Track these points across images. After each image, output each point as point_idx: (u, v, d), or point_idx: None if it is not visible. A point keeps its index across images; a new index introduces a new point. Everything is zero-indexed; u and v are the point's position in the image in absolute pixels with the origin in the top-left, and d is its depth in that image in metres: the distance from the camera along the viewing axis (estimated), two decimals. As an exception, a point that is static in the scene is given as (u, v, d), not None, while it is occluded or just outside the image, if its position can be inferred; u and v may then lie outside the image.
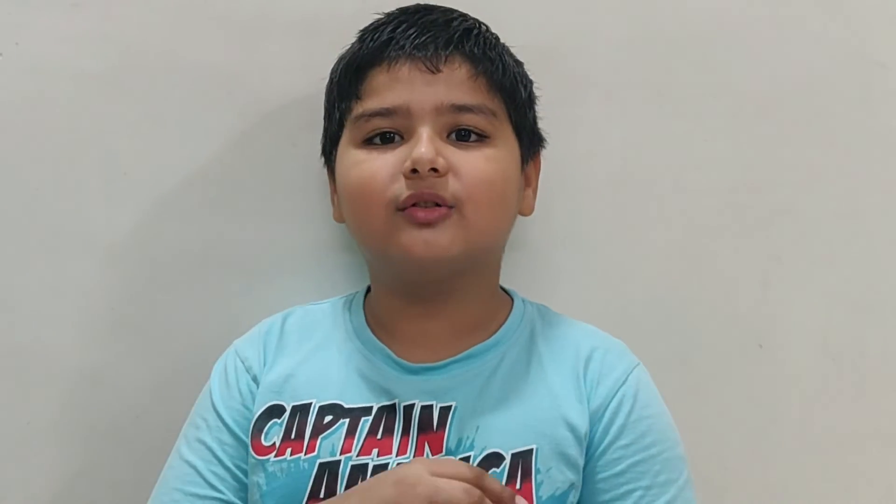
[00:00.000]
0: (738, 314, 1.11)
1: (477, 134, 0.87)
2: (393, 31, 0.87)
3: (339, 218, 0.94)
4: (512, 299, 0.96)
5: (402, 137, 0.86)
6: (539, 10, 1.06)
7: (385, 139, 0.87)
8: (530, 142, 0.93)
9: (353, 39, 0.92)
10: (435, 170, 0.83)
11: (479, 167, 0.86)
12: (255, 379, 0.91)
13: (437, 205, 0.85)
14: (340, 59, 0.93)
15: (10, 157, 1.02)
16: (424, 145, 0.83)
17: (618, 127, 1.08)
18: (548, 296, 1.00)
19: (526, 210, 0.95)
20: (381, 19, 0.91)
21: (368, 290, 0.97)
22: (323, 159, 0.96)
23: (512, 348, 0.90)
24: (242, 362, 0.92)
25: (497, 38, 0.92)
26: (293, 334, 0.94)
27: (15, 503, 1.05)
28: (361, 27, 0.92)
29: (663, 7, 1.09)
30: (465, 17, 0.91)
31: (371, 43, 0.88)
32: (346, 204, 0.90)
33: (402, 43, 0.86)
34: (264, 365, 0.92)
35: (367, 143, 0.87)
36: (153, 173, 1.04)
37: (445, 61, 0.86)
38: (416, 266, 0.86)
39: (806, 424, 1.11)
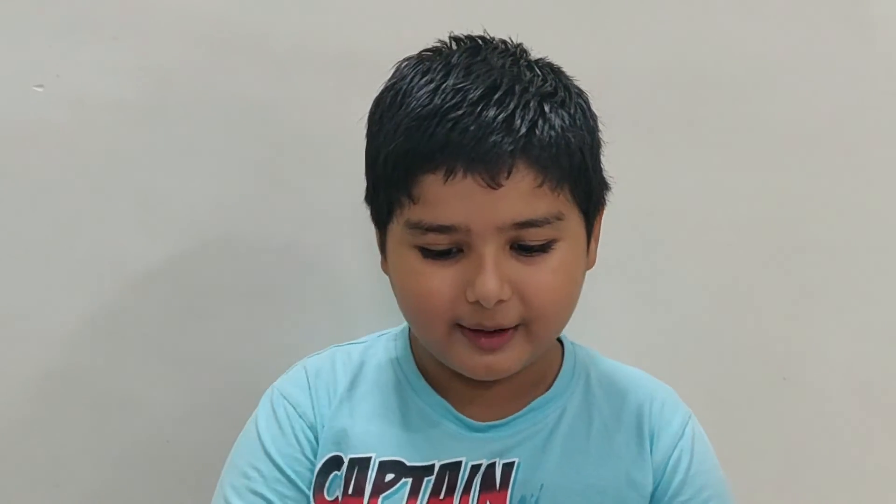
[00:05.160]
0: (764, 346, 1.12)
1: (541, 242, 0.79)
2: (450, 130, 0.75)
3: (388, 271, 0.86)
4: (561, 343, 0.92)
5: (460, 249, 0.78)
6: (568, 44, 1.06)
7: (443, 249, 0.79)
8: (597, 204, 0.85)
9: (392, 74, 0.83)
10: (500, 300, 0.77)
11: (546, 285, 0.79)
12: (311, 427, 0.87)
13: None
14: (381, 117, 0.81)
15: (50, 186, 1.03)
16: (489, 278, 0.76)
17: (647, 160, 1.09)
18: (575, 329, 0.99)
19: (589, 265, 0.87)
20: (432, 90, 0.77)
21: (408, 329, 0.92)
22: (371, 216, 0.86)
23: (571, 399, 0.88)
24: (294, 409, 0.87)
25: (563, 104, 0.80)
26: (344, 379, 0.89)
27: (47, 527, 1.06)
28: (396, 62, 0.84)
29: (692, 42, 1.09)
30: (526, 97, 0.78)
31: (424, 141, 0.76)
32: (403, 308, 0.84)
33: (458, 151, 0.75)
34: (319, 412, 0.87)
35: (424, 249, 0.79)
36: (188, 203, 1.05)
37: (509, 175, 0.75)
38: (477, 378, 0.83)
39: (832, 458, 1.11)
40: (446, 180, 0.76)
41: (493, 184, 0.75)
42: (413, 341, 0.90)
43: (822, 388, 1.12)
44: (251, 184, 1.06)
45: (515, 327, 0.80)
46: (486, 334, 0.79)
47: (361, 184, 1.04)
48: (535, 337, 0.81)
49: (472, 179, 0.75)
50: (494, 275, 0.76)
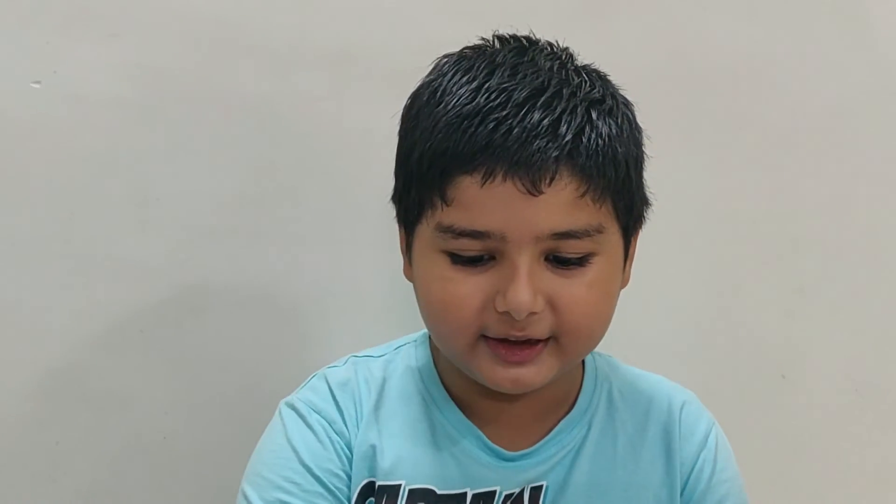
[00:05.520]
0: (762, 344, 1.12)
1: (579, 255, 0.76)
2: (492, 131, 0.71)
3: (411, 277, 0.82)
4: None
5: (492, 257, 0.75)
6: (565, 43, 1.07)
7: (474, 256, 0.75)
8: (637, 220, 0.81)
9: (431, 70, 0.80)
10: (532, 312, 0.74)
11: (580, 299, 0.75)
12: (348, 445, 0.82)
13: (529, 340, 0.76)
14: (417, 113, 0.77)
15: (47, 183, 1.03)
16: (523, 289, 0.72)
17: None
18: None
19: (623, 284, 0.83)
20: (474, 89, 0.74)
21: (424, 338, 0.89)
22: (397, 216, 0.83)
23: (596, 415, 0.86)
24: (330, 425, 0.83)
25: (610, 113, 0.77)
26: (369, 396, 0.85)
27: (43, 523, 1.07)
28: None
29: (689, 39, 1.10)
30: (573, 102, 0.74)
31: (463, 141, 0.72)
32: (426, 316, 0.80)
33: (499, 154, 0.71)
34: (350, 429, 0.83)
35: (453, 254, 0.75)
36: (185, 200, 1.05)
37: (551, 182, 0.72)
38: (502, 391, 0.79)
39: (831, 456, 1.11)
40: (484, 183, 0.72)
41: (534, 190, 0.71)
42: (435, 350, 0.87)
43: (820, 386, 1.12)
44: (248, 179, 1.06)
45: (546, 341, 0.76)
46: (512, 346, 0.76)
47: (360, 182, 1.05)
48: (564, 352, 0.77)
49: (511, 184, 0.71)
50: (528, 286, 0.73)
